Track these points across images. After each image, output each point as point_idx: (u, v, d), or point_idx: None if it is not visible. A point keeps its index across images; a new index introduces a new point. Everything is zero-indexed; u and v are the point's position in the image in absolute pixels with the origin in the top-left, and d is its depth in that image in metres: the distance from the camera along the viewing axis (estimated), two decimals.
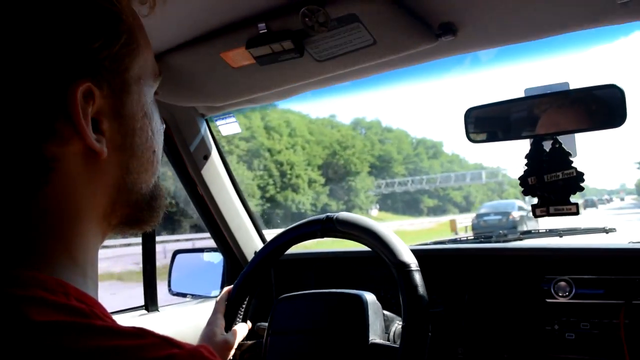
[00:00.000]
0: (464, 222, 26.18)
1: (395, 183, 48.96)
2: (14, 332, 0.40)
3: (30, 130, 0.47)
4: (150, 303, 1.59)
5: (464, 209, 55.53)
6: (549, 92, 1.08)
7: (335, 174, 43.19)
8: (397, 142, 56.98)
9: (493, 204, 22.10)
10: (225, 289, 1.29)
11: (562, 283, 1.29)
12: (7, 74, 0.47)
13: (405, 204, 52.96)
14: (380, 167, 51.04)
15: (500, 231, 1.73)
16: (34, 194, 0.49)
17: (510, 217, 18.02)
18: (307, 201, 36.52)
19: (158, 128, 0.61)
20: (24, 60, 0.47)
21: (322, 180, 39.46)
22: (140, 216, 0.60)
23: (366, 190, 45.89)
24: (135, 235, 0.71)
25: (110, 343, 0.41)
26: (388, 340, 1.15)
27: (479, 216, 19.38)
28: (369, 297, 1.15)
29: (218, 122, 1.57)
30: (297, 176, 36.18)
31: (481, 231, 15.35)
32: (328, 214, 1.23)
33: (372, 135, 54.37)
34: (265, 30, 1.01)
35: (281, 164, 35.72)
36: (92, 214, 0.54)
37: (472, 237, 1.69)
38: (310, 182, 37.90)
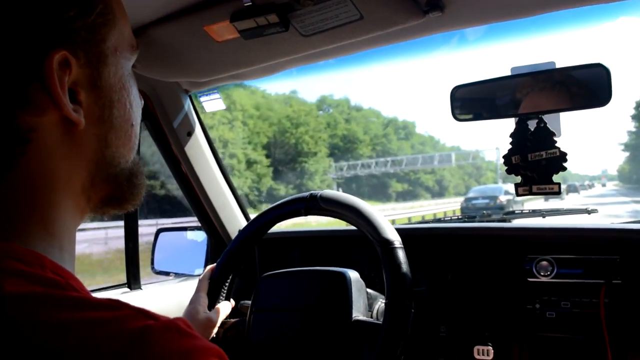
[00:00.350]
0: (436, 208, 26.22)
1: (358, 165, 45.67)
2: None
3: (4, 99, 0.47)
4: (133, 281, 1.58)
5: (436, 194, 54.19)
6: (534, 70, 1.08)
7: (285, 154, 39.04)
8: (365, 121, 52.91)
9: (481, 188, 23.20)
10: (208, 267, 1.28)
11: (544, 263, 1.31)
12: None
13: (371, 189, 50.17)
14: (344, 148, 47.64)
15: (484, 211, 1.74)
16: (9, 166, 0.48)
17: (498, 201, 18.85)
18: (245, 184, 31.30)
19: (137, 102, 0.61)
20: None
21: (267, 161, 34.46)
22: (121, 193, 0.59)
23: (323, 173, 41.71)
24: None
25: (84, 315, 0.41)
26: (371, 318, 1.15)
27: (467, 200, 20.41)
28: (353, 274, 1.15)
29: (202, 99, 1.55)
30: (232, 156, 30.72)
31: (469, 214, 15.90)
32: (312, 191, 1.23)
33: (337, 114, 49.46)
34: (250, 3, 0.99)
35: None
36: (70, 188, 0.53)
37: (457, 217, 1.70)
38: (250, 163, 32.76)
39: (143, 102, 0.64)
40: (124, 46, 0.58)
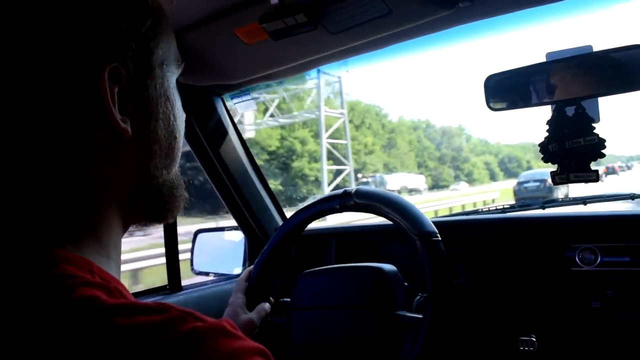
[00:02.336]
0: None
1: None
2: (47, 308, 0.42)
3: (60, 111, 0.48)
4: (174, 284, 1.61)
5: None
6: (570, 55, 1.05)
7: None
8: None
9: (530, 173, 23.75)
10: (246, 269, 1.29)
11: (587, 251, 1.28)
12: (40, 58, 0.47)
13: None
14: None
15: (523, 201, 1.71)
16: (66, 177, 0.50)
17: (547, 183, 19.22)
18: None
19: (180, 115, 0.62)
20: (56, 42, 0.47)
21: None
22: (163, 205, 0.60)
23: None
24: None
25: (133, 319, 0.41)
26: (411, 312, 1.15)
27: (519, 184, 21.01)
28: (391, 269, 1.15)
29: (234, 101, 1.56)
30: None
31: (522, 197, 18.53)
32: (346, 188, 1.23)
33: None
34: (278, 4, 0.99)
35: None
36: (117, 198, 0.55)
37: (494, 208, 1.67)
38: None
39: (185, 115, 0.65)
40: (170, 60, 0.59)
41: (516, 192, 20.63)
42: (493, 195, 26.87)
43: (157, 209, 0.60)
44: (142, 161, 0.56)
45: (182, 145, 0.63)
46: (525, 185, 20.29)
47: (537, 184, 19.59)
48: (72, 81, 0.48)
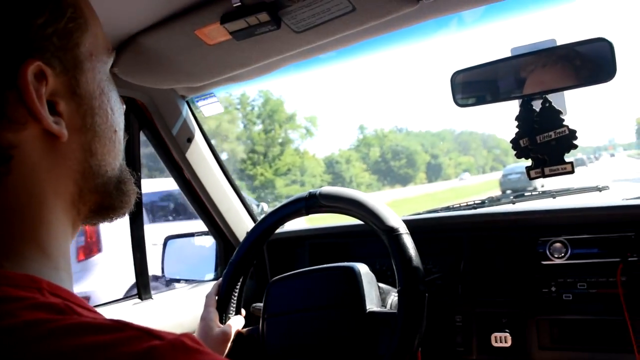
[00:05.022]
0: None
1: None
2: None
3: None
4: (144, 291, 1.57)
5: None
6: (535, 50, 1.05)
7: None
8: None
9: (513, 166, 25.52)
10: (216, 283, 1.27)
11: (558, 244, 1.28)
12: None
13: None
14: None
15: (493, 196, 1.72)
16: None
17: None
18: None
19: (118, 107, 0.59)
20: None
21: None
22: (110, 202, 0.58)
23: None
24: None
25: (85, 340, 0.39)
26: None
27: (504, 176, 23.10)
28: (362, 267, 1.14)
29: (199, 103, 1.53)
30: None
31: (506, 187, 20.75)
32: (310, 190, 1.21)
33: None
34: (240, 3, 0.97)
35: None
36: (59, 202, 0.51)
37: (465, 204, 1.68)
38: None
39: (125, 106, 0.62)
40: (99, 50, 0.56)
41: (501, 184, 22.58)
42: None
43: (105, 206, 0.58)
44: (83, 159, 0.53)
45: (123, 138, 0.60)
46: (509, 177, 21.92)
47: (519, 175, 20.84)
48: None
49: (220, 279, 1.27)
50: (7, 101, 0.46)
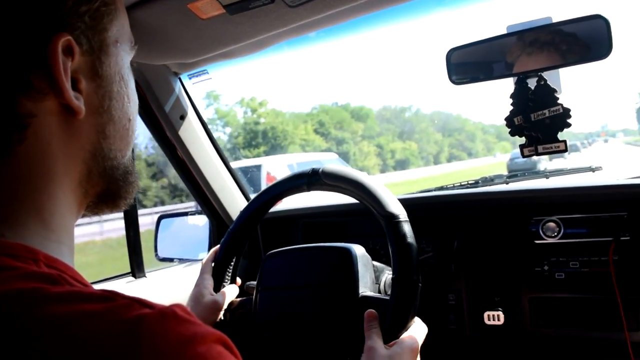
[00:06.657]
0: None
1: None
2: None
3: (6, 82, 0.46)
4: (137, 269, 1.57)
5: None
6: (531, 27, 1.04)
7: None
8: None
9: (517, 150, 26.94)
10: (212, 250, 1.27)
11: (551, 224, 1.29)
12: None
13: None
14: None
15: (487, 176, 1.72)
16: (6, 152, 0.47)
17: (532, 158, 21.91)
18: None
19: (134, 97, 0.61)
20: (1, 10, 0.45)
21: None
22: (116, 189, 0.59)
23: None
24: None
25: (76, 308, 0.39)
26: (379, 292, 1.14)
27: (511, 159, 24.47)
28: (358, 249, 1.14)
29: (192, 80, 1.51)
30: None
31: (513, 169, 19.57)
32: (314, 167, 1.20)
33: None
34: None
35: None
36: (67, 179, 0.52)
37: (459, 184, 1.68)
38: None
39: (138, 99, 0.64)
40: (124, 39, 0.58)
41: (508, 166, 23.82)
42: None
43: (111, 193, 0.59)
44: (96, 141, 0.54)
45: (135, 129, 0.61)
46: (516, 160, 22.90)
47: (526, 159, 21.69)
48: (16, 52, 0.46)
49: (218, 246, 1.26)
50: (33, 69, 0.47)
